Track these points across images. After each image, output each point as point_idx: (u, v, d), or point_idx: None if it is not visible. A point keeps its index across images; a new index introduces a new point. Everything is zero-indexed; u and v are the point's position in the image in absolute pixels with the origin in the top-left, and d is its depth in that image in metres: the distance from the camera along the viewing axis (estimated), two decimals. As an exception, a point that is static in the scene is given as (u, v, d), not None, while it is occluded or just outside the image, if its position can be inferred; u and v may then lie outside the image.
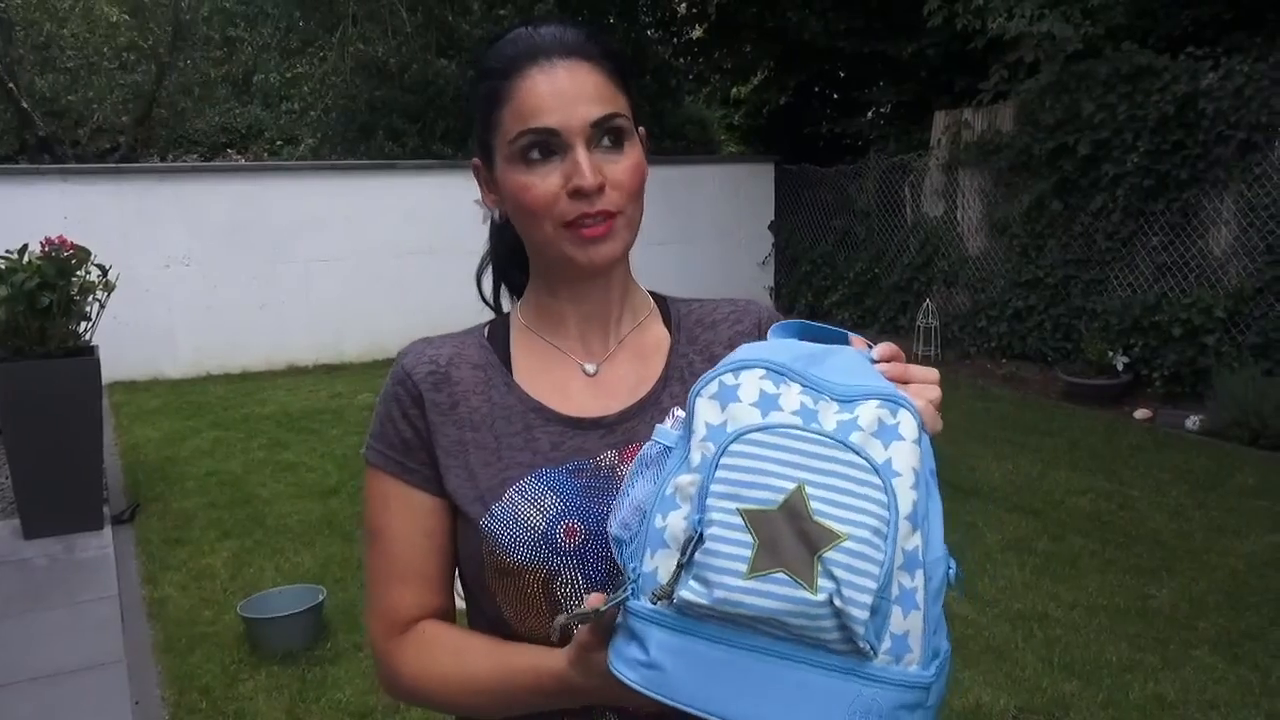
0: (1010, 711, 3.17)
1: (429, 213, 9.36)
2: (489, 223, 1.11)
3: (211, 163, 14.69)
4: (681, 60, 13.24)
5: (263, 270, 9.00)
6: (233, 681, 3.44)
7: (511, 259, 1.12)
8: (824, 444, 0.73)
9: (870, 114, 11.98)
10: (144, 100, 14.36)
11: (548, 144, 0.94)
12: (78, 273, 4.74)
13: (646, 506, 0.79)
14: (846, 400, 0.77)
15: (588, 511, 0.95)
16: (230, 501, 5.33)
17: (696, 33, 13.05)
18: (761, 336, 1.10)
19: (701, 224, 10.84)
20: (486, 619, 1.02)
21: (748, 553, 0.71)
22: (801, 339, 0.88)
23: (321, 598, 3.77)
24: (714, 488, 0.73)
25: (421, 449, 1.01)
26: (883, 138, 10.78)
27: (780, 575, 0.70)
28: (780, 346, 0.83)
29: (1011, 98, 8.24)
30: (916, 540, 0.75)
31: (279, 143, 16.53)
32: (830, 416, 0.76)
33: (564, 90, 0.94)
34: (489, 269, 1.16)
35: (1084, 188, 7.71)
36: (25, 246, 4.72)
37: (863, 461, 0.73)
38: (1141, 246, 7.42)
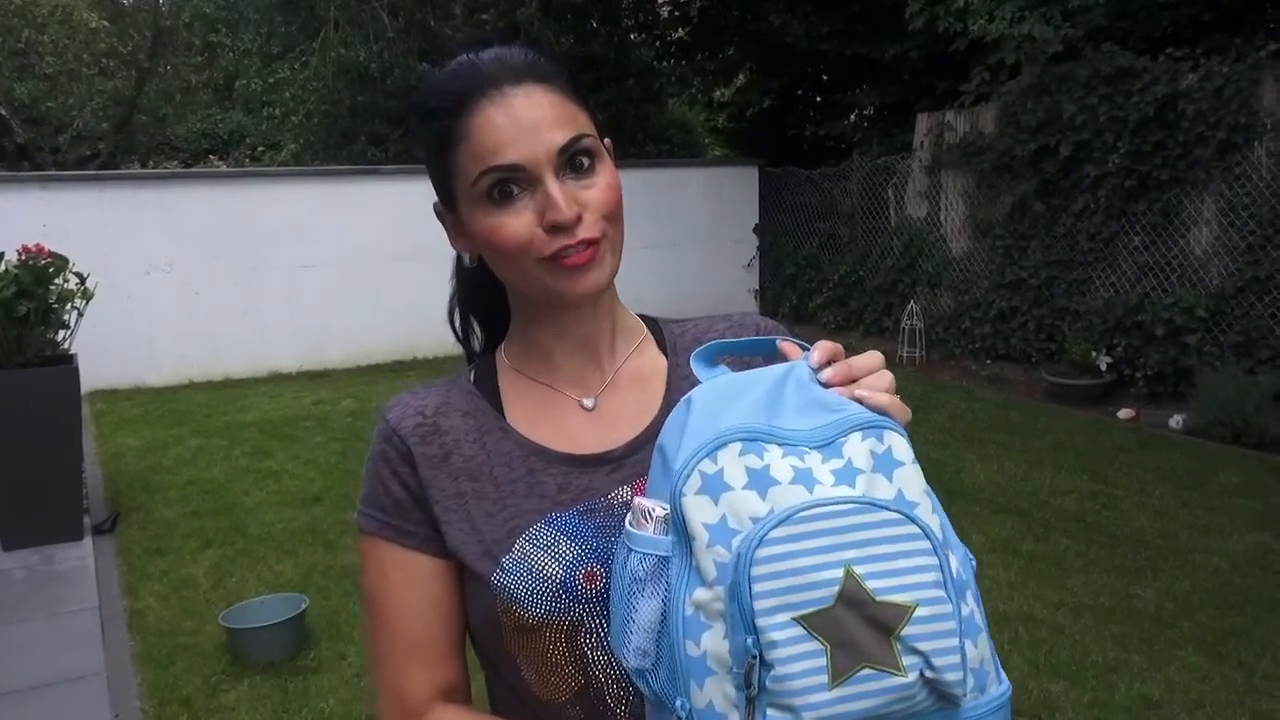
0: (997, 713, 3.16)
1: (412, 218, 9.27)
2: (455, 264, 1.05)
3: (193, 169, 14.62)
4: (664, 63, 13.25)
5: (245, 277, 8.94)
6: (214, 693, 3.41)
7: (485, 302, 1.06)
8: (849, 513, 0.68)
9: (853, 116, 12.02)
10: (124, 106, 14.29)
11: (513, 180, 0.88)
12: (55, 281, 4.70)
13: (663, 628, 0.73)
14: (826, 444, 0.72)
15: (607, 553, 0.88)
16: (212, 510, 5.29)
17: (679, 35, 13.06)
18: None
19: (686, 227, 10.83)
20: (506, 684, 0.96)
21: (824, 661, 0.66)
22: (729, 360, 0.83)
23: (304, 607, 3.74)
24: (759, 605, 0.67)
25: (416, 508, 0.94)
26: (866, 140, 10.82)
27: (866, 672, 0.65)
28: (726, 393, 0.77)
29: (993, 99, 8.27)
30: (954, 562, 0.70)
31: (261, 148, 16.45)
32: (823, 469, 0.71)
33: (522, 121, 0.87)
34: (457, 310, 1.10)
35: (1066, 189, 7.74)
36: (2, 255, 4.67)
37: (894, 515, 0.68)
38: (1123, 247, 7.45)
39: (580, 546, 0.90)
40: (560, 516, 0.91)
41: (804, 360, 0.82)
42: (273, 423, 7.20)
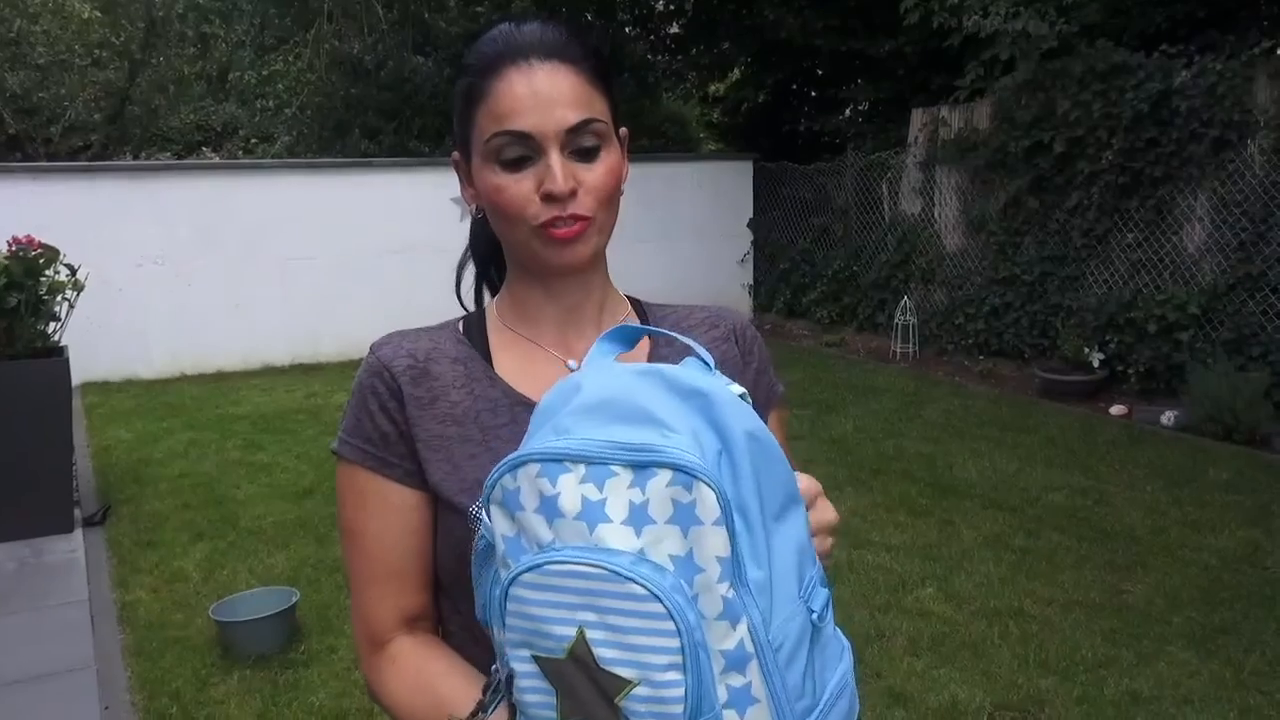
0: (986, 708, 3.17)
1: (405, 211, 9.31)
2: (470, 218, 1.11)
3: (185, 161, 14.55)
4: (659, 57, 13.22)
5: (237, 269, 8.92)
6: (204, 686, 3.40)
7: (491, 255, 1.12)
8: (595, 578, 0.68)
9: (848, 112, 12.01)
10: (117, 98, 14.20)
11: (521, 146, 0.94)
12: (46, 272, 4.68)
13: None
14: (640, 467, 0.70)
15: None
16: (203, 503, 5.28)
17: (674, 29, 13.05)
18: (737, 344, 1.11)
19: (680, 222, 10.82)
20: (462, 620, 0.99)
21: (553, 700, 0.70)
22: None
23: (295, 600, 3.73)
24: (508, 635, 0.72)
25: (401, 442, 0.99)
26: (860, 135, 10.81)
27: None
28: (570, 391, 0.78)
29: (988, 95, 8.28)
30: (740, 632, 0.70)
31: (254, 140, 16.37)
32: (622, 499, 0.70)
33: (541, 93, 0.93)
34: (469, 265, 1.16)
35: (1060, 185, 7.75)
36: (-9, 246, 4.65)
37: (640, 589, 0.67)
38: (1117, 243, 7.46)
39: None
40: None
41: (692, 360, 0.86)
42: (265, 416, 7.18)
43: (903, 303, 8.96)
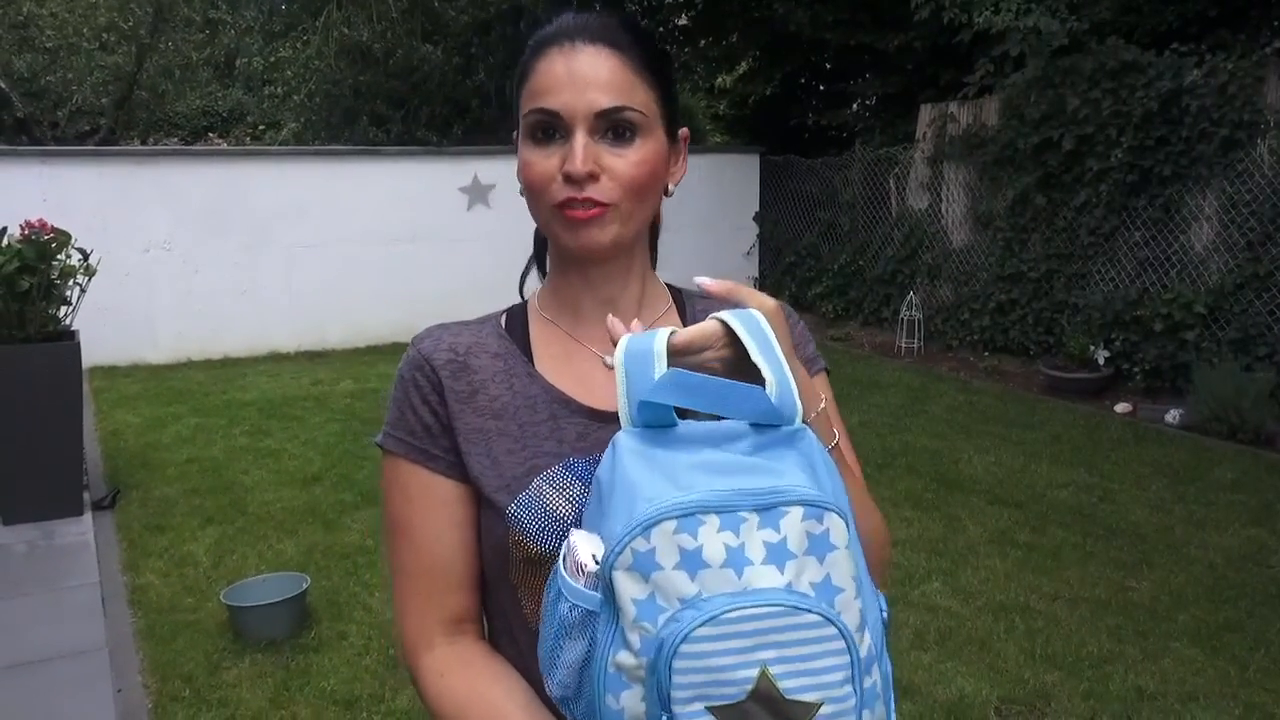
0: (992, 702, 3.19)
1: (412, 200, 9.31)
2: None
3: (193, 146, 14.56)
4: (667, 49, 13.20)
5: (244, 256, 8.93)
6: (216, 669, 3.43)
7: (544, 243, 1.12)
8: (772, 615, 0.71)
9: (856, 106, 11.99)
10: (124, 82, 14.19)
11: (552, 125, 0.94)
12: (58, 256, 4.69)
13: (585, 671, 0.77)
14: (767, 509, 0.73)
15: None
16: (212, 488, 5.30)
17: (682, 21, 13.03)
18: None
19: (686, 214, 10.79)
20: (503, 613, 1.00)
21: None
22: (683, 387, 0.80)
23: (305, 586, 3.75)
24: (676, 693, 0.71)
25: (444, 435, 0.99)
26: (868, 130, 10.80)
27: None
28: (668, 440, 0.79)
29: (997, 92, 8.27)
30: (869, 638, 0.76)
31: (261, 127, 16.39)
32: (756, 541, 0.73)
33: (577, 74, 0.93)
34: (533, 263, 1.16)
35: (1068, 182, 7.75)
36: (4, 229, 4.66)
37: (816, 618, 0.72)
38: (1124, 242, 7.46)
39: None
40: (577, 462, 0.97)
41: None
42: (272, 402, 7.20)
43: (909, 298, 8.97)
